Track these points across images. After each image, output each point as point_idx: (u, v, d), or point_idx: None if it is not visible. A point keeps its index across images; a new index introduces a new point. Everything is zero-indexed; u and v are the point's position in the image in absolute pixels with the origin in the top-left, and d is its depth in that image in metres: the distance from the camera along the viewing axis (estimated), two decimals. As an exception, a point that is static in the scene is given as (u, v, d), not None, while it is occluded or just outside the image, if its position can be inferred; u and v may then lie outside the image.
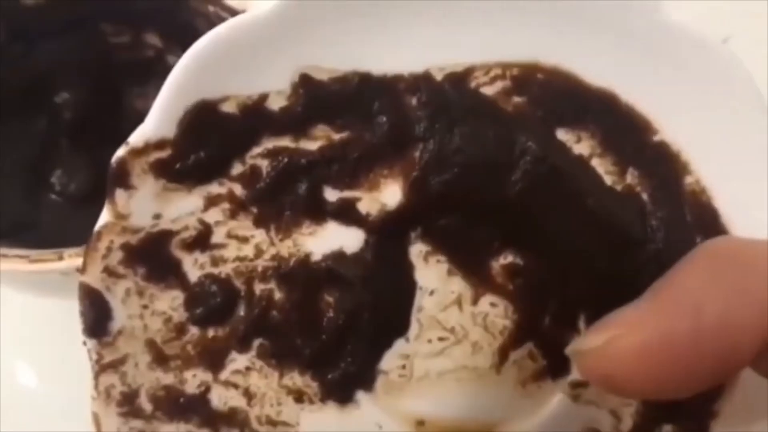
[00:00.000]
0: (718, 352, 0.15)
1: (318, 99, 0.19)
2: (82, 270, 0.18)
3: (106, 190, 0.19)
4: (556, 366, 0.20)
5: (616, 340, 0.16)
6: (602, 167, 0.20)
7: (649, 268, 0.19)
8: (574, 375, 0.20)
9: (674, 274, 0.17)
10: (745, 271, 0.16)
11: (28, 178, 0.35)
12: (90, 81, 0.37)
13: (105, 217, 0.18)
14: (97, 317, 0.18)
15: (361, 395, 0.20)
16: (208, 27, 0.33)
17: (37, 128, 0.36)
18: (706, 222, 0.20)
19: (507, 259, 0.20)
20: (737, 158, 0.19)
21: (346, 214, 0.20)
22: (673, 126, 0.20)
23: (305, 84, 0.19)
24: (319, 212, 0.20)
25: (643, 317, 0.16)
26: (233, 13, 0.32)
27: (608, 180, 0.20)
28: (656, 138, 0.20)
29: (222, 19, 0.32)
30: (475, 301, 0.20)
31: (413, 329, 0.20)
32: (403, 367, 0.20)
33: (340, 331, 0.19)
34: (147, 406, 0.19)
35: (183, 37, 0.35)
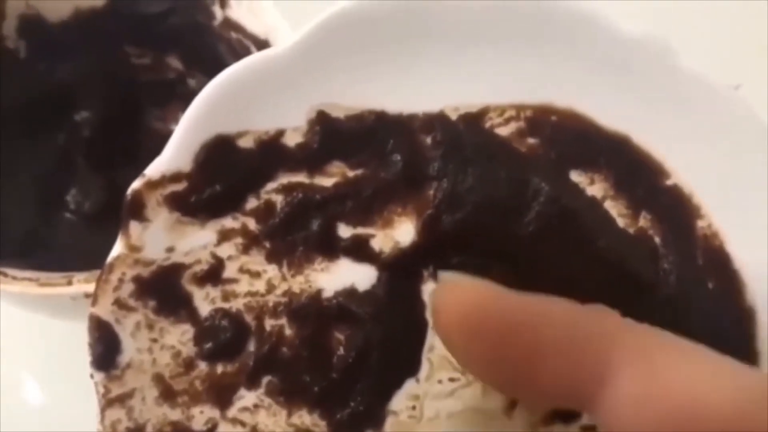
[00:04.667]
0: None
1: (334, 136, 0.19)
2: (93, 301, 0.18)
3: (120, 216, 0.19)
4: (566, 410, 0.20)
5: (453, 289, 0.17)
6: (615, 210, 0.20)
7: (659, 310, 0.19)
8: (585, 419, 0.20)
9: None
10: None
11: (43, 194, 0.35)
12: (110, 100, 0.37)
13: (118, 248, 0.18)
14: (105, 350, 0.18)
15: (370, 436, 0.20)
16: (229, 53, 0.34)
17: (56, 145, 0.36)
18: (718, 266, 0.20)
19: (518, 299, 0.20)
20: (749, 203, 0.19)
21: (359, 250, 0.20)
22: (686, 170, 0.20)
23: (321, 121, 0.19)
24: (332, 248, 0.20)
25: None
26: (255, 40, 0.32)
27: (621, 222, 0.20)
28: (669, 182, 0.20)
29: (244, 46, 0.33)
30: None
31: (424, 369, 0.20)
32: (414, 407, 0.20)
33: (351, 369, 0.19)
34: None
35: (204, 62, 0.36)
